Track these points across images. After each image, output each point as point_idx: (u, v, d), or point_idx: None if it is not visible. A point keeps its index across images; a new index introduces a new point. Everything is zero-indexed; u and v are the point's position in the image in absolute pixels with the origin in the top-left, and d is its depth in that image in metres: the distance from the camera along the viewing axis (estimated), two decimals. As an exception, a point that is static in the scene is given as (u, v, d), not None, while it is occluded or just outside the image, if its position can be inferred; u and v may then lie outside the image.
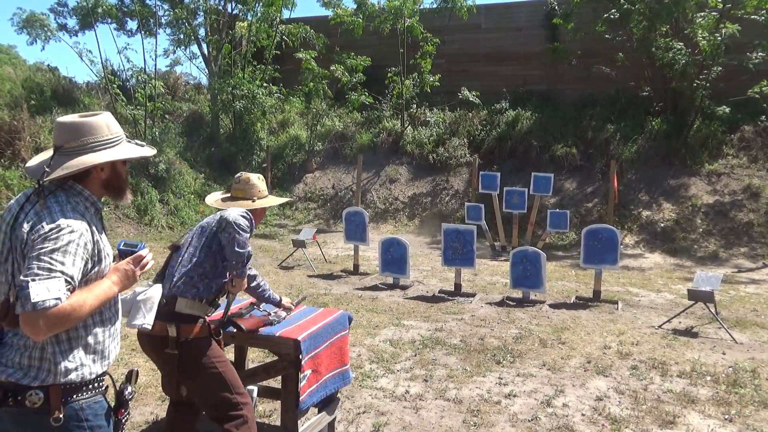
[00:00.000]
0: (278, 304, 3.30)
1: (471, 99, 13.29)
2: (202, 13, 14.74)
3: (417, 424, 3.80)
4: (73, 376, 1.76)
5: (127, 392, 1.97)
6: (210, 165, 13.78)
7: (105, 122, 1.88)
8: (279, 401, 3.30)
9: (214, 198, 3.09)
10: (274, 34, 14.53)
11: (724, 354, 5.22)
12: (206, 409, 2.76)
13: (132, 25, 15.20)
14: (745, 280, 8.42)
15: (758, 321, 6.28)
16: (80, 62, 19.03)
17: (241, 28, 14.30)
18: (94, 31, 13.54)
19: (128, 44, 16.54)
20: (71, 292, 1.65)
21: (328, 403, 3.36)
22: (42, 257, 1.63)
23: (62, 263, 1.64)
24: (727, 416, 3.97)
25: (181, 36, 14.75)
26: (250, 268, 2.98)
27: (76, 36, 14.90)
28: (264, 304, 3.32)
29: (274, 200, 3.19)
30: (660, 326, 5.97)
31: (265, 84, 14.49)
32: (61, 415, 1.73)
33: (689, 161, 11.38)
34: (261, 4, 14.44)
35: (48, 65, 14.26)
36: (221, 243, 2.69)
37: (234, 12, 15.29)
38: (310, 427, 3.20)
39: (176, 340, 2.60)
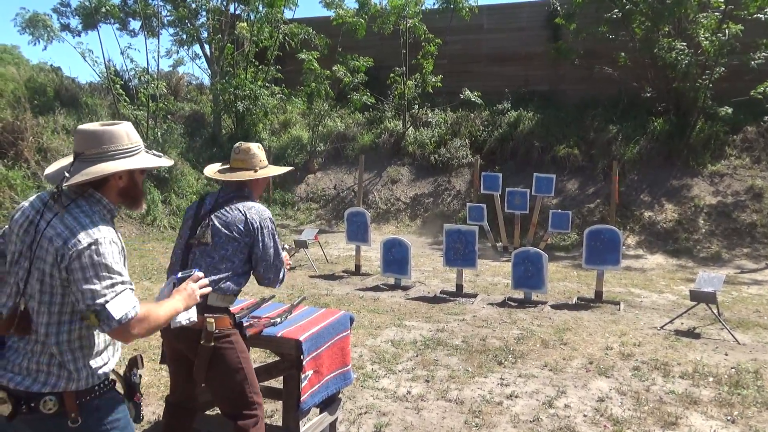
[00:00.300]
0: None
1: (473, 99, 13.28)
2: (204, 13, 14.77)
3: (418, 425, 3.80)
4: (84, 381, 1.78)
5: (134, 377, 1.99)
6: (212, 165, 13.77)
7: (125, 131, 1.90)
8: (281, 401, 3.30)
9: (213, 169, 2.94)
10: (277, 35, 14.54)
11: (726, 355, 5.21)
12: (222, 404, 2.77)
13: (135, 25, 15.25)
14: (748, 281, 8.40)
15: (761, 322, 6.27)
16: (83, 62, 19.07)
17: (242, 29, 14.31)
18: (97, 31, 13.57)
19: (131, 44, 16.59)
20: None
21: (329, 404, 3.37)
22: (101, 275, 1.70)
23: (119, 274, 1.74)
24: (729, 417, 3.96)
25: (184, 36, 14.79)
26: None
27: (79, 36, 14.98)
28: (264, 305, 3.32)
29: (276, 169, 3.04)
30: (662, 327, 5.96)
31: (267, 84, 14.51)
32: (78, 417, 1.75)
33: (692, 162, 11.36)
34: (263, 3, 14.45)
35: (51, 65, 14.29)
36: (252, 244, 2.73)
37: (236, 12, 15.32)
38: (311, 428, 3.20)
39: (212, 333, 2.61)
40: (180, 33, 14.93)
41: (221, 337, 2.64)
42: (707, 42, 10.64)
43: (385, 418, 3.86)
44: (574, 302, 6.93)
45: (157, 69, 14.10)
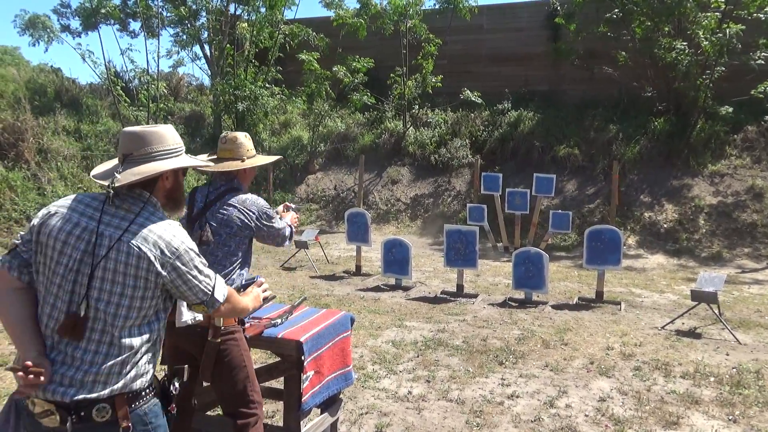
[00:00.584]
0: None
1: (473, 100, 13.29)
2: (204, 14, 14.77)
3: (420, 425, 3.79)
4: (138, 383, 1.77)
5: (173, 388, 1.98)
6: (212, 166, 13.76)
7: (169, 132, 1.92)
8: (281, 402, 3.29)
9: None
10: (277, 35, 14.54)
11: (727, 355, 5.20)
12: (223, 401, 2.78)
13: (135, 26, 15.26)
14: (749, 280, 8.40)
15: (762, 322, 6.26)
16: (83, 63, 19.07)
17: (243, 29, 14.32)
18: (98, 32, 13.60)
19: (131, 45, 16.62)
20: None
21: (330, 404, 3.36)
22: (200, 269, 1.85)
23: (205, 264, 1.88)
24: (731, 417, 3.95)
25: (184, 37, 14.79)
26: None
27: (79, 37, 14.98)
28: (265, 305, 3.31)
29: (264, 159, 2.99)
30: (663, 327, 5.96)
31: (267, 85, 14.51)
32: (129, 424, 1.73)
33: (692, 162, 11.35)
34: (263, 4, 14.46)
35: (51, 66, 14.31)
36: (254, 232, 2.79)
37: (237, 12, 15.33)
38: (312, 428, 3.20)
39: (219, 329, 2.62)
40: (180, 34, 14.94)
41: (227, 333, 2.66)
42: (707, 42, 10.64)
43: (386, 419, 3.86)
44: (574, 302, 6.92)
45: (158, 70, 14.12)
